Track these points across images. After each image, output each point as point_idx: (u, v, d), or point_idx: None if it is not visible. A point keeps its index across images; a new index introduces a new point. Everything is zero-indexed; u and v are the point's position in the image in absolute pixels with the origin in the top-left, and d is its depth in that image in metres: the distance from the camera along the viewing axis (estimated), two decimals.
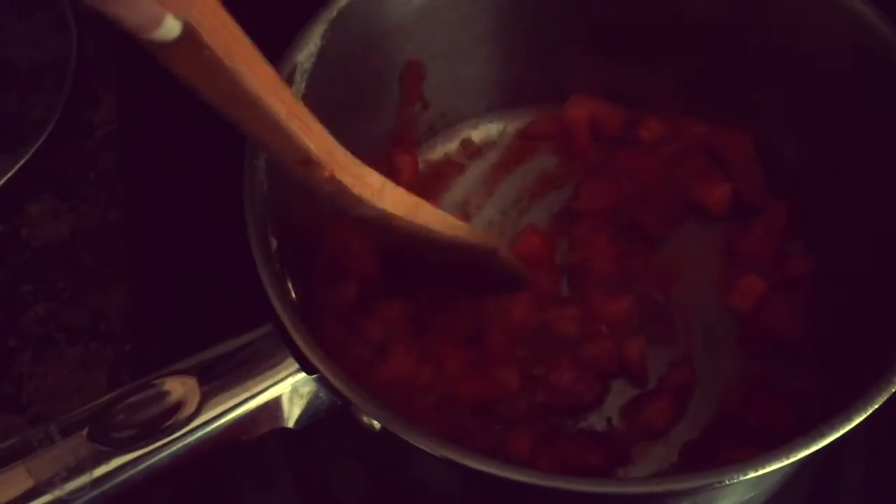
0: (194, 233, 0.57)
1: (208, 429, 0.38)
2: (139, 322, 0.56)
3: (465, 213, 0.56)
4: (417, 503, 0.50)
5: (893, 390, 0.36)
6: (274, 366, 0.39)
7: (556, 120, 0.56)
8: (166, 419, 0.37)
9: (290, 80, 0.46)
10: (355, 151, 0.52)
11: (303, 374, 0.39)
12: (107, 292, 0.58)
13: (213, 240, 0.53)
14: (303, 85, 0.46)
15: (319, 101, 0.44)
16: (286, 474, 0.52)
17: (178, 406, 0.37)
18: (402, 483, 0.49)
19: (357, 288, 0.50)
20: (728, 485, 0.36)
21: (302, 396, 0.40)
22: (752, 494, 0.45)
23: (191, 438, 0.37)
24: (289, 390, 0.40)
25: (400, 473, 0.47)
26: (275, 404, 0.40)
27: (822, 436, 0.36)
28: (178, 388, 0.38)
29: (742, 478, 0.35)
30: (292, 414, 0.41)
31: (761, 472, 0.35)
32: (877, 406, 0.36)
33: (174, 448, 0.37)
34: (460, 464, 0.36)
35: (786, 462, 0.35)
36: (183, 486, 0.50)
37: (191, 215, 0.57)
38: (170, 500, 0.49)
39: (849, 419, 0.36)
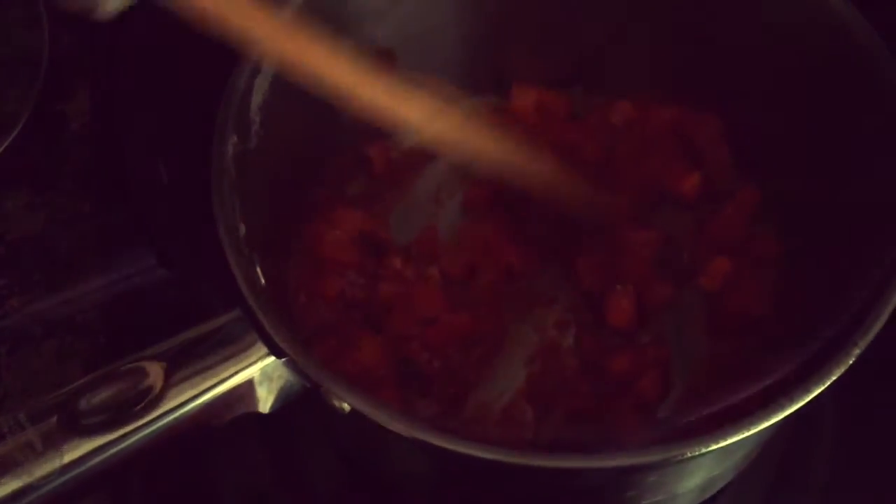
0: (168, 222, 0.57)
1: (178, 413, 0.38)
2: (115, 314, 0.57)
3: (437, 201, 0.56)
4: (390, 487, 0.50)
5: (850, 362, 0.37)
6: (243, 350, 0.39)
7: (499, 109, 0.57)
8: (136, 404, 0.38)
9: (257, 69, 0.46)
10: (326, 141, 0.53)
11: (272, 359, 0.39)
12: (83, 284, 0.58)
13: (186, 228, 0.53)
14: (270, 73, 0.47)
15: (289, 91, 0.44)
16: (263, 459, 0.52)
17: (148, 391, 0.38)
18: (375, 467, 0.49)
19: (336, 279, 0.50)
20: (691, 458, 0.36)
21: (273, 380, 0.41)
22: (721, 470, 0.46)
23: (160, 423, 0.38)
24: (259, 374, 0.40)
25: (371, 457, 0.47)
26: (245, 388, 0.40)
27: (782, 408, 0.36)
28: (148, 373, 0.38)
29: (704, 450, 0.36)
30: (264, 398, 0.41)
31: (723, 444, 0.35)
32: (834, 378, 0.36)
33: (144, 433, 0.38)
34: (431, 444, 0.37)
35: (747, 433, 0.36)
36: (158, 470, 0.51)
37: (165, 204, 0.57)
38: (145, 484, 0.50)
39: (807, 391, 0.36)
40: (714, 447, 0.35)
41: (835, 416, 0.54)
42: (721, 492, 0.50)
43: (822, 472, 0.53)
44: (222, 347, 0.39)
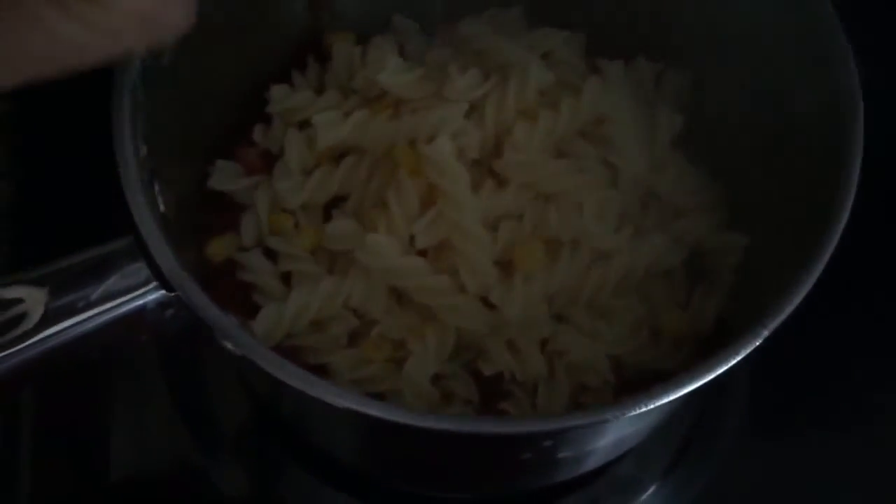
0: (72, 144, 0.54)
1: (56, 341, 0.36)
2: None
3: None
4: (296, 429, 0.49)
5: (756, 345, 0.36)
6: (131, 280, 0.37)
7: None
8: (10, 329, 0.36)
9: None
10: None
11: (162, 291, 0.38)
12: None
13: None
14: None
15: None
16: (163, 393, 0.51)
17: (23, 316, 0.36)
18: (279, 407, 0.48)
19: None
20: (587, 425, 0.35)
21: (167, 310, 0.39)
22: (630, 432, 0.45)
23: (36, 350, 0.36)
24: (152, 305, 0.38)
25: (269, 397, 0.46)
26: (135, 318, 0.38)
27: (681, 386, 0.35)
28: (25, 297, 0.36)
29: (598, 420, 0.35)
30: (165, 324, 0.39)
31: (613, 420, 0.34)
32: (737, 359, 0.35)
33: (18, 359, 0.36)
34: (316, 398, 0.35)
35: (644, 409, 0.35)
36: (54, 400, 0.49)
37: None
38: (39, 415, 0.48)
39: (710, 370, 0.35)
40: (606, 420, 0.34)
41: (750, 385, 0.54)
42: (632, 449, 0.50)
43: (730, 436, 0.53)
44: (109, 276, 0.37)
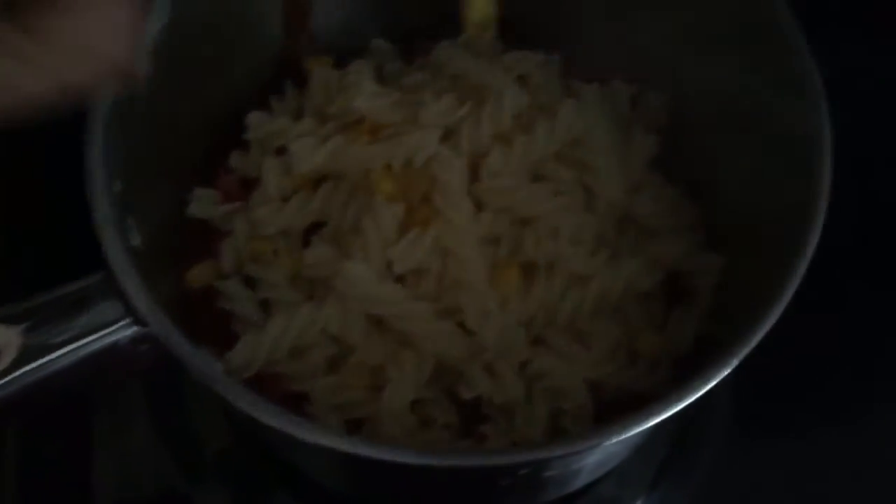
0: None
1: (31, 378, 0.36)
2: None
3: None
4: (278, 455, 0.49)
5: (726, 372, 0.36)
6: (105, 315, 0.37)
7: None
8: None
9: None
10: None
11: (136, 327, 0.38)
12: None
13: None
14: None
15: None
16: (145, 418, 0.51)
17: None
18: (259, 437, 0.48)
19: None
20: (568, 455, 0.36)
21: (142, 345, 0.39)
22: (610, 454, 0.46)
23: (12, 388, 0.36)
24: (126, 341, 0.38)
25: (253, 430, 0.46)
26: (109, 354, 0.38)
27: (654, 414, 0.35)
28: None
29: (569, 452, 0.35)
30: (143, 357, 0.39)
31: (583, 450, 0.35)
32: (709, 387, 0.36)
33: None
34: (286, 433, 0.35)
35: (617, 438, 0.35)
36: (37, 429, 0.49)
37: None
38: (21, 442, 0.48)
39: (681, 399, 0.35)
40: (578, 450, 0.35)
41: (732, 401, 0.54)
42: (614, 469, 0.50)
43: (712, 452, 0.53)
44: (82, 312, 0.37)
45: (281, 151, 0.49)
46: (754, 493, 0.53)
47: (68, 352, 0.37)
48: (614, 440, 0.35)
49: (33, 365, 0.36)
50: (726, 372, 0.36)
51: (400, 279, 0.46)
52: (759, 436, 0.54)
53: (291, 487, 0.52)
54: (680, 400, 0.35)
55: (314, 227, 0.48)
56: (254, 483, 0.52)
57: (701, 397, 0.36)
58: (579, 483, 0.48)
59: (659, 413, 0.36)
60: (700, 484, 0.53)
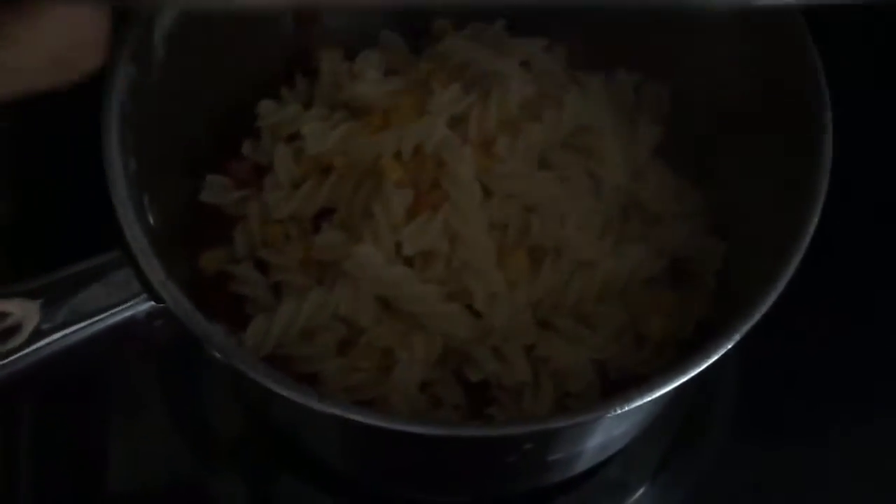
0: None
1: (48, 352, 0.37)
2: None
3: None
4: (289, 437, 0.50)
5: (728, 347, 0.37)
6: (121, 291, 0.38)
7: None
8: (3, 342, 0.37)
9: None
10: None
11: (151, 302, 0.39)
12: None
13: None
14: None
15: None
16: (158, 400, 0.52)
17: (17, 328, 0.37)
18: (271, 417, 0.49)
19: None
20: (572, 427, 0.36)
21: (157, 321, 0.40)
22: (617, 433, 0.46)
23: (28, 361, 0.37)
24: (142, 316, 0.39)
25: (265, 408, 0.47)
26: (125, 329, 0.39)
27: (656, 387, 0.36)
28: (17, 310, 0.37)
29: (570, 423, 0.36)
30: (148, 339, 0.40)
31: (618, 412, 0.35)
32: (712, 361, 0.36)
33: (12, 370, 0.37)
34: (305, 406, 0.36)
35: (619, 411, 0.36)
36: (52, 413, 0.50)
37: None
38: (35, 425, 0.49)
39: (694, 365, 0.36)
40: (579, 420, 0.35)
41: (738, 387, 0.55)
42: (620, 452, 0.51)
43: (717, 438, 0.54)
44: (99, 288, 0.38)
45: (292, 139, 0.50)
46: (757, 483, 0.53)
47: (85, 325, 0.38)
48: (618, 411, 0.35)
49: (51, 339, 0.37)
50: (728, 346, 0.36)
51: (409, 262, 0.46)
52: (764, 428, 0.55)
53: (303, 474, 0.53)
54: (682, 374, 0.36)
55: (324, 214, 0.49)
56: (266, 469, 0.53)
57: (705, 378, 0.36)
58: (582, 466, 0.48)
59: (661, 386, 0.36)
60: (705, 470, 0.54)
